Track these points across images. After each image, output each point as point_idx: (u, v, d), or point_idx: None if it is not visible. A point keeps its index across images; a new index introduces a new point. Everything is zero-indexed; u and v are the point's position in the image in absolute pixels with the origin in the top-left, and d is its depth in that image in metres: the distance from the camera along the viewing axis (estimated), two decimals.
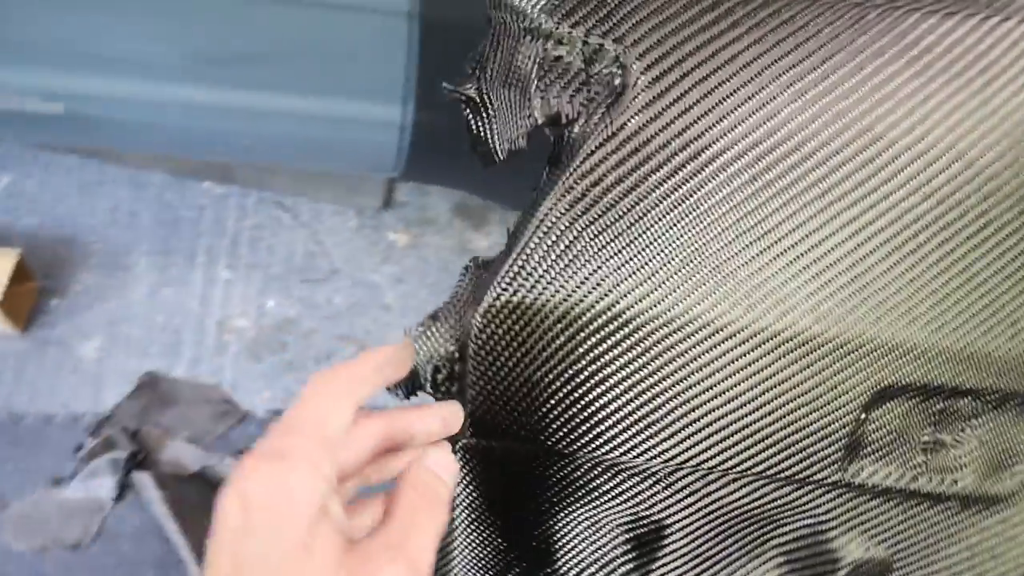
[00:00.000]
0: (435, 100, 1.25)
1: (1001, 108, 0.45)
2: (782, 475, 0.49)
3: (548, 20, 0.42)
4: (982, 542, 0.55)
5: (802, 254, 0.44)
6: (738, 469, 0.49)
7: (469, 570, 0.52)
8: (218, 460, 1.42)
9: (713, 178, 0.42)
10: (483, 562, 0.52)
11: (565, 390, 0.44)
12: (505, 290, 0.43)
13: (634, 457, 0.47)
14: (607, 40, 0.41)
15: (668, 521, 0.52)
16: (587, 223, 0.42)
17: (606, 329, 0.43)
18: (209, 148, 1.47)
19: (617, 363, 0.44)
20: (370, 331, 1.66)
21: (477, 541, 0.51)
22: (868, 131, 0.44)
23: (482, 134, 0.48)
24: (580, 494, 0.50)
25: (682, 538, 0.52)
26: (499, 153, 0.47)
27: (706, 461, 0.48)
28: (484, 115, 0.47)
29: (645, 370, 0.45)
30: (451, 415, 0.43)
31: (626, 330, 0.44)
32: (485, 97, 0.47)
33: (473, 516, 0.50)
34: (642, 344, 0.44)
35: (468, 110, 0.48)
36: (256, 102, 1.29)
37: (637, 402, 0.45)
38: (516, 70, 0.44)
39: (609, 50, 0.41)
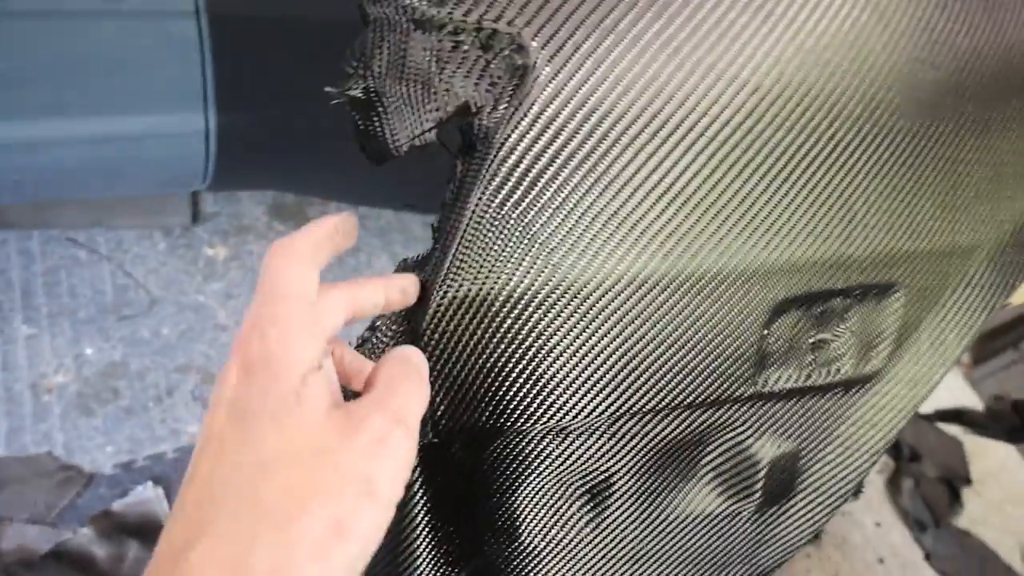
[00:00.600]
0: (237, 100, 1.17)
1: (827, 34, 0.51)
2: (707, 401, 0.54)
3: (438, 11, 0.41)
4: (863, 416, 0.63)
5: (701, 199, 0.48)
6: (669, 405, 0.53)
7: (434, 565, 0.52)
8: (72, 532, 1.28)
9: (619, 142, 0.44)
10: (448, 555, 0.53)
11: (517, 370, 0.46)
12: (451, 287, 0.43)
13: (583, 417, 0.50)
14: (500, 24, 0.42)
15: (614, 468, 0.55)
16: (516, 206, 0.43)
17: (547, 303, 0.45)
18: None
19: (560, 333, 0.46)
20: (209, 355, 1.56)
21: (441, 536, 0.52)
22: (735, 75, 0.48)
23: (376, 133, 0.47)
24: (536, 466, 0.51)
25: (628, 479, 0.56)
26: (396, 150, 0.47)
27: (643, 405, 0.51)
28: (376, 114, 0.46)
29: (585, 334, 0.47)
30: (410, 285, 0.43)
31: (565, 300, 0.45)
32: (374, 96, 0.45)
33: (434, 513, 0.51)
34: (580, 311, 0.46)
35: (355, 111, 0.47)
36: (27, 132, 1.14)
37: (581, 365, 0.47)
38: (411, 65, 0.43)
39: (504, 33, 0.42)
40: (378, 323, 0.45)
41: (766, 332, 0.55)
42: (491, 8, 0.42)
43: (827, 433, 0.62)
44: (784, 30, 0.49)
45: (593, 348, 0.47)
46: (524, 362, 0.46)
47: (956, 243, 0.62)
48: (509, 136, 0.42)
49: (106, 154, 1.21)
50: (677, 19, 0.46)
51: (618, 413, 0.51)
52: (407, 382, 0.36)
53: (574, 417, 0.49)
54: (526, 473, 0.52)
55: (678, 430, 0.56)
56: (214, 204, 1.72)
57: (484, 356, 0.45)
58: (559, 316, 0.45)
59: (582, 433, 0.52)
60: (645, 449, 0.55)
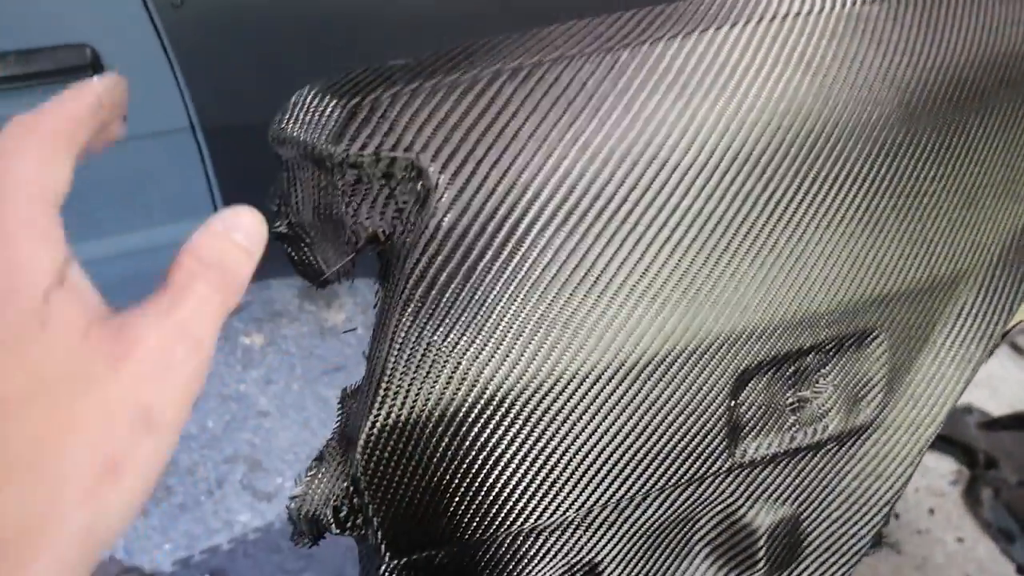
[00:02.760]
0: (244, 199, 1.22)
1: (749, 98, 0.50)
2: (683, 480, 0.53)
3: (336, 148, 0.42)
4: (865, 468, 0.61)
5: (632, 284, 0.47)
6: (643, 491, 0.51)
7: None
8: None
9: (533, 245, 0.44)
10: None
11: (464, 484, 0.45)
12: (378, 416, 0.43)
13: (549, 516, 0.49)
14: (398, 151, 0.43)
15: (599, 558, 0.54)
16: (435, 326, 0.43)
17: (484, 415, 0.45)
18: None
19: (504, 441, 0.46)
20: (255, 443, 1.60)
21: None
22: (652, 156, 0.48)
23: (308, 262, 0.49)
24: (511, 567, 0.51)
25: (616, 567, 0.55)
26: (331, 277, 0.48)
27: (613, 495, 0.50)
28: (304, 246, 0.47)
29: (531, 438, 0.46)
30: (106, 89, 0.33)
31: (502, 409, 0.45)
32: (299, 231, 0.47)
33: None
34: (520, 416, 0.46)
35: (285, 245, 0.48)
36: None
37: (533, 468, 0.47)
38: (322, 200, 0.44)
39: (402, 160, 0.43)
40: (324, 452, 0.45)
41: (734, 403, 0.53)
42: (387, 138, 0.43)
43: (827, 492, 0.60)
44: (699, 104, 0.49)
45: (540, 451, 0.47)
46: (469, 477, 0.45)
47: (935, 277, 0.59)
48: (419, 259, 0.43)
49: (130, 268, 1.27)
50: (581, 113, 0.46)
51: (587, 507, 0.50)
52: (207, 285, 0.29)
53: (536, 519, 0.48)
54: (511, 571, 0.51)
55: (660, 512, 0.54)
56: (246, 293, 1.78)
57: (424, 477, 0.45)
58: (497, 427, 0.45)
59: (555, 529, 0.51)
60: (629, 535, 0.54)
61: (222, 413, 1.62)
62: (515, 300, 0.44)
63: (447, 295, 0.43)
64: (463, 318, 0.43)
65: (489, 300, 0.44)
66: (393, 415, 0.43)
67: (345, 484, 0.44)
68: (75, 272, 0.27)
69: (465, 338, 0.44)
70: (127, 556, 1.45)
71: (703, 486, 0.55)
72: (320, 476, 0.45)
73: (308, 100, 0.44)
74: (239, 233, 0.31)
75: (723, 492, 0.56)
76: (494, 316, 0.44)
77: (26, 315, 0.26)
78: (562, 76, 0.46)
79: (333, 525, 0.45)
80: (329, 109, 0.43)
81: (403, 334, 0.43)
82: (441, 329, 0.43)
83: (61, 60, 0.96)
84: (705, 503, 0.55)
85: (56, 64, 0.96)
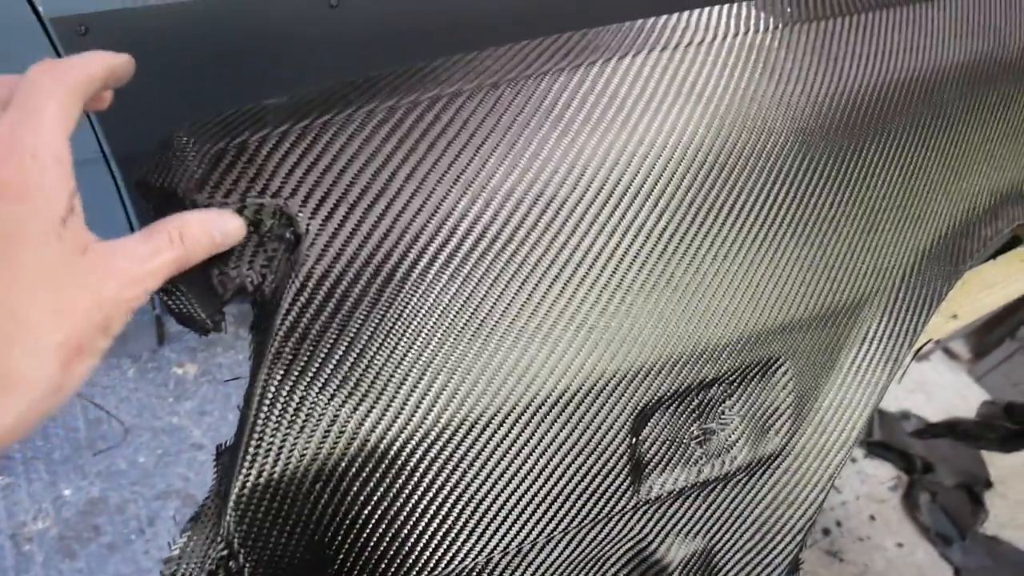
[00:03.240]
0: None
1: (639, 131, 0.50)
2: (587, 521, 0.51)
3: (199, 196, 0.40)
4: (776, 497, 0.60)
5: (520, 324, 0.46)
6: (545, 534, 0.50)
7: None
8: None
9: (412, 291, 0.43)
10: None
11: (349, 542, 0.43)
12: (248, 475, 0.41)
13: (445, 568, 0.47)
14: (265, 198, 0.41)
15: None
16: (308, 379, 0.41)
17: (366, 470, 0.43)
18: None
19: (389, 495, 0.44)
20: (188, 477, 1.55)
21: None
22: (538, 194, 0.46)
23: (187, 313, 0.46)
24: None
25: None
26: (208, 325, 0.45)
27: (513, 540, 0.49)
28: (180, 297, 0.45)
29: (419, 489, 0.45)
30: (119, 63, 0.40)
31: (385, 462, 0.43)
32: (170, 285, 0.44)
33: None
34: (406, 469, 0.44)
35: (163, 297, 0.46)
36: None
37: (424, 521, 0.45)
38: None
39: (270, 206, 0.41)
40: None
41: (636, 440, 0.52)
42: (253, 184, 0.41)
43: (738, 522, 0.59)
44: (586, 139, 0.48)
45: (431, 501, 0.45)
46: (353, 533, 0.44)
47: (838, 303, 0.59)
48: (289, 310, 0.41)
49: None
50: (462, 152, 0.45)
51: (484, 555, 0.48)
52: (166, 244, 0.37)
53: (432, 571, 0.46)
54: None
55: (567, 554, 0.53)
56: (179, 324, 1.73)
57: (304, 536, 0.43)
58: (380, 480, 0.43)
59: None
60: None
61: (154, 447, 1.57)
62: (394, 350, 0.43)
63: (320, 347, 0.41)
64: (339, 370, 0.42)
65: (367, 351, 0.42)
66: (265, 473, 0.41)
67: (220, 547, 0.42)
68: (78, 201, 0.35)
69: (342, 391, 0.42)
70: None
71: (609, 525, 0.53)
72: (195, 538, 0.42)
73: (174, 143, 0.42)
74: (220, 233, 0.39)
75: (631, 529, 0.55)
76: (372, 367, 0.42)
77: (50, 231, 0.33)
78: (441, 114, 0.45)
79: None
80: (194, 153, 0.41)
81: (273, 389, 0.41)
82: (316, 382, 0.41)
83: None
84: (613, 542, 0.54)
85: None
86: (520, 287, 0.45)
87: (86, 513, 1.48)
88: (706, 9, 0.58)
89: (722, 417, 0.56)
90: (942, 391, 2.00)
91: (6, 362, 0.32)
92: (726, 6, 0.58)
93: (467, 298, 0.44)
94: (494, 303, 0.45)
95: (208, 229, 0.39)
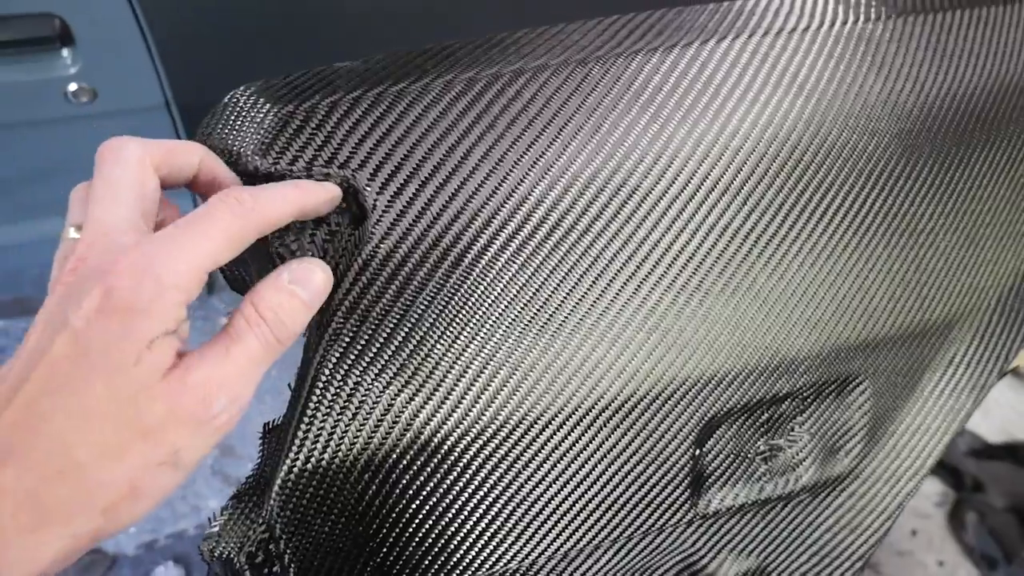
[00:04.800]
0: None
1: (733, 121, 0.46)
2: (638, 531, 0.49)
3: (263, 160, 0.38)
4: (838, 521, 0.57)
5: (591, 322, 0.43)
6: (594, 541, 0.48)
7: None
8: None
9: (481, 278, 0.40)
10: None
11: (394, 536, 0.41)
12: (296, 459, 0.39)
13: (489, 568, 0.45)
14: (332, 168, 0.38)
15: None
16: (364, 364, 0.39)
17: (417, 463, 0.41)
18: None
19: (439, 491, 0.42)
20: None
21: None
22: (621, 183, 0.43)
23: (240, 277, 0.44)
24: None
25: None
26: None
27: (561, 546, 0.46)
28: (232, 262, 0.43)
29: (470, 487, 0.42)
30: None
31: (437, 457, 0.41)
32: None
33: None
34: (459, 463, 0.42)
35: None
36: (34, 231, 1.17)
37: (472, 519, 0.43)
38: None
39: (336, 177, 0.38)
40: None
41: (699, 451, 0.49)
42: (320, 152, 0.38)
43: (796, 544, 0.56)
44: (675, 127, 0.44)
45: (481, 500, 0.43)
46: (398, 528, 0.41)
47: (927, 321, 0.55)
48: (350, 290, 0.38)
49: None
50: (543, 132, 0.42)
51: (531, 559, 0.46)
52: (252, 338, 0.33)
53: (475, 572, 0.44)
54: None
55: (614, 563, 0.50)
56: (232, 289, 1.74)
57: (347, 527, 0.41)
58: (431, 475, 0.41)
59: None
60: None
61: None
62: (457, 339, 0.40)
63: (380, 331, 0.39)
64: (397, 357, 0.39)
65: (427, 338, 0.39)
66: (314, 459, 0.39)
67: (261, 529, 0.40)
68: (185, 324, 0.32)
69: (399, 379, 0.39)
70: None
71: (661, 536, 0.51)
72: (236, 517, 0.41)
73: (240, 103, 0.40)
74: (304, 291, 0.34)
75: (683, 543, 0.52)
76: (433, 356, 0.40)
77: (132, 354, 0.30)
78: (523, 90, 0.41)
79: (248, 572, 0.41)
80: (261, 116, 0.39)
81: (328, 371, 0.38)
82: (372, 368, 0.39)
83: (27, 30, 0.91)
84: (663, 554, 0.52)
85: (21, 34, 0.91)
86: (594, 282, 0.42)
87: None
88: None
89: (791, 434, 0.53)
90: (1000, 409, 1.91)
91: (48, 495, 0.29)
92: None
93: (537, 289, 0.41)
94: (565, 297, 0.42)
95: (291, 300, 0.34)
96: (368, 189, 0.38)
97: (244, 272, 0.44)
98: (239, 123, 0.39)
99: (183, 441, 0.31)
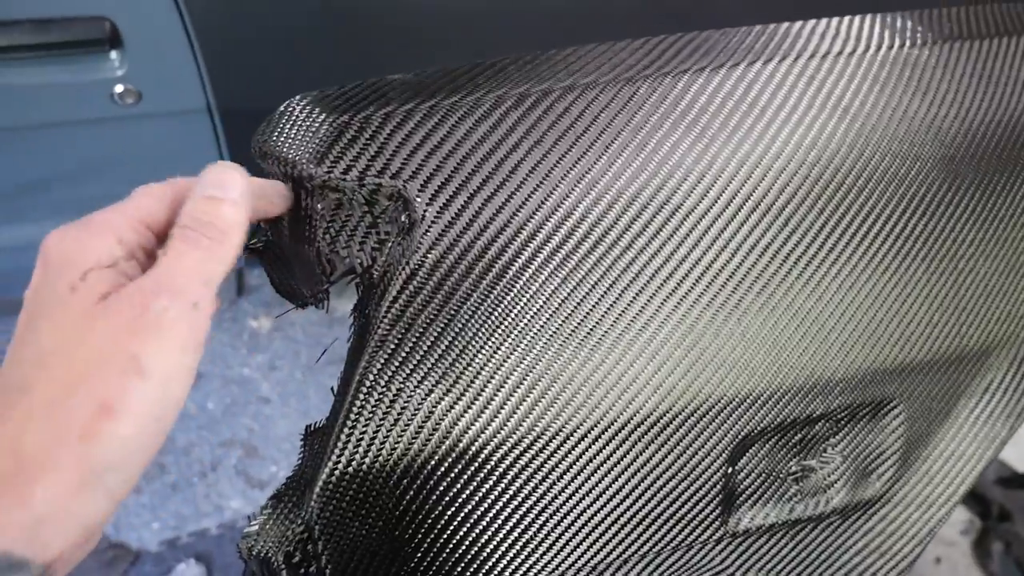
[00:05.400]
0: None
1: (777, 143, 0.46)
2: (668, 547, 0.49)
3: (318, 168, 0.39)
4: (868, 544, 0.56)
5: (630, 338, 0.43)
6: (624, 556, 0.48)
7: None
8: None
9: (525, 290, 0.41)
10: None
11: (428, 541, 0.42)
12: (338, 463, 0.40)
13: None
14: (384, 179, 0.39)
15: None
16: (408, 371, 0.40)
17: (455, 470, 0.41)
18: (27, 286, 1.35)
19: (475, 499, 0.42)
20: (253, 429, 1.58)
21: None
22: (664, 200, 0.44)
23: (287, 284, 0.45)
24: None
25: None
26: (308, 299, 0.44)
27: (591, 559, 0.47)
28: (285, 268, 0.44)
29: (505, 496, 0.43)
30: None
31: (475, 465, 0.42)
32: (276, 250, 0.43)
33: None
34: (495, 472, 0.42)
35: (264, 264, 0.45)
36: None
37: (505, 529, 0.43)
38: (301, 223, 0.41)
39: (388, 187, 0.39)
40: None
41: (732, 469, 0.49)
42: (373, 162, 0.39)
43: (825, 566, 0.55)
44: (720, 146, 0.45)
45: (516, 510, 0.43)
46: (434, 534, 0.42)
47: (964, 348, 0.55)
48: (398, 298, 0.39)
49: None
50: (590, 149, 0.42)
51: (560, 570, 0.47)
52: (197, 248, 0.34)
53: None
54: None
55: None
56: (258, 276, 1.76)
57: (385, 530, 0.41)
58: (468, 483, 0.42)
59: None
60: None
61: (223, 395, 1.61)
62: (499, 349, 0.41)
63: (424, 338, 0.40)
64: (440, 365, 0.40)
65: (470, 348, 0.40)
66: (355, 463, 0.40)
67: (299, 529, 0.41)
68: (130, 266, 0.34)
69: (440, 387, 0.40)
70: (114, 531, 1.44)
71: (690, 553, 0.51)
72: (275, 517, 0.42)
73: (296, 112, 0.41)
74: (223, 191, 0.35)
75: (712, 560, 0.52)
76: (474, 365, 0.40)
77: (65, 288, 0.32)
78: (572, 107, 0.42)
79: (285, 571, 0.41)
80: (316, 125, 0.40)
81: (372, 377, 0.39)
82: (415, 375, 0.40)
83: (78, 32, 0.94)
84: (691, 571, 0.52)
85: (73, 36, 0.94)
86: (634, 298, 0.43)
87: None
88: (856, 17, 0.53)
89: (824, 455, 0.53)
90: None
91: (23, 441, 0.30)
92: (878, 16, 0.54)
93: (578, 304, 0.42)
94: (605, 312, 0.42)
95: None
96: (418, 200, 0.39)
97: (292, 280, 0.45)
98: (294, 131, 0.40)
99: (135, 346, 0.31)
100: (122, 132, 1.09)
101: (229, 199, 0.35)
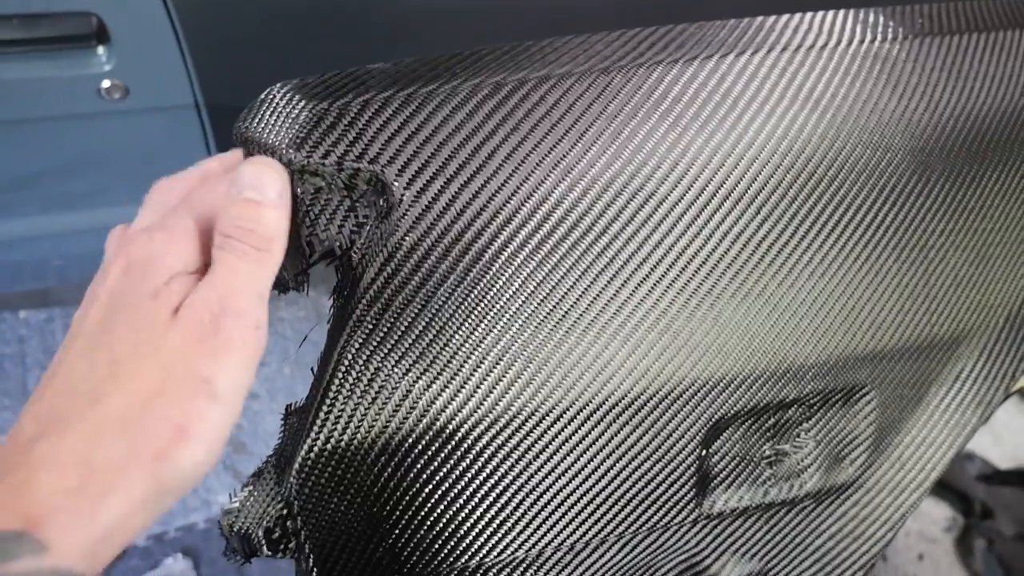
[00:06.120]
0: None
1: (749, 133, 0.47)
2: (643, 528, 0.50)
3: (297, 154, 0.40)
4: (842, 528, 0.57)
5: (605, 321, 0.44)
6: (600, 535, 0.49)
7: None
8: None
9: (500, 273, 0.42)
10: None
11: (407, 518, 0.43)
12: (316, 440, 0.40)
13: (497, 555, 0.46)
14: (362, 163, 0.40)
15: None
16: (386, 351, 0.41)
17: (432, 448, 0.42)
18: (14, 280, 1.35)
19: (452, 476, 0.43)
20: (241, 424, 1.58)
21: None
22: (638, 188, 0.45)
23: None
24: None
25: None
26: (290, 283, 0.45)
27: (568, 538, 0.48)
28: None
29: (482, 474, 0.44)
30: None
31: (452, 443, 0.43)
32: None
33: None
34: (471, 450, 0.43)
35: None
36: (59, 223, 1.20)
37: (483, 506, 0.44)
38: None
39: (366, 172, 0.40)
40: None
41: (706, 452, 0.50)
42: (352, 147, 0.40)
43: (798, 550, 0.57)
44: (693, 135, 0.46)
45: (491, 489, 0.44)
46: (412, 510, 0.43)
47: (935, 336, 0.56)
48: (375, 279, 0.40)
49: None
50: (565, 136, 0.43)
51: (538, 547, 0.47)
52: (226, 255, 0.34)
53: (483, 557, 0.46)
54: None
55: (619, 558, 0.51)
56: None
57: (363, 507, 0.42)
58: (445, 460, 0.43)
59: (502, 568, 0.48)
60: None
61: None
62: (475, 330, 0.42)
63: (402, 319, 0.40)
64: (417, 345, 0.41)
65: (447, 328, 0.41)
66: (333, 440, 0.41)
67: (280, 506, 0.42)
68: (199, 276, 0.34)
69: (418, 366, 0.41)
70: None
71: (666, 535, 0.52)
72: (255, 494, 0.42)
73: (276, 99, 0.42)
74: (261, 193, 0.36)
75: (687, 542, 0.53)
76: (451, 345, 0.41)
77: (149, 292, 0.32)
78: (547, 95, 0.43)
79: (265, 547, 0.42)
80: (296, 112, 0.41)
81: (350, 356, 0.40)
82: (392, 355, 0.41)
83: (66, 27, 0.94)
84: (667, 552, 0.53)
85: (60, 31, 0.94)
86: (608, 282, 0.44)
87: None
88: (829, 12, 0.54)
89: (797, 440, 0.54)
90: (1012, 435, 1.91)
91: (93, 455, 0.30)
92: (851, 11, 0.55)
93: (553, 287, 0.43)
94: (580, 295, 0.43)
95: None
96: (396, 184, 0.40)
97: None
98: (275, 118, 0.41)
99: (206, 369, 0.31)
100: (109, 127, 1.09)
101: (268, 201, 0.36)
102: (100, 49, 0.97)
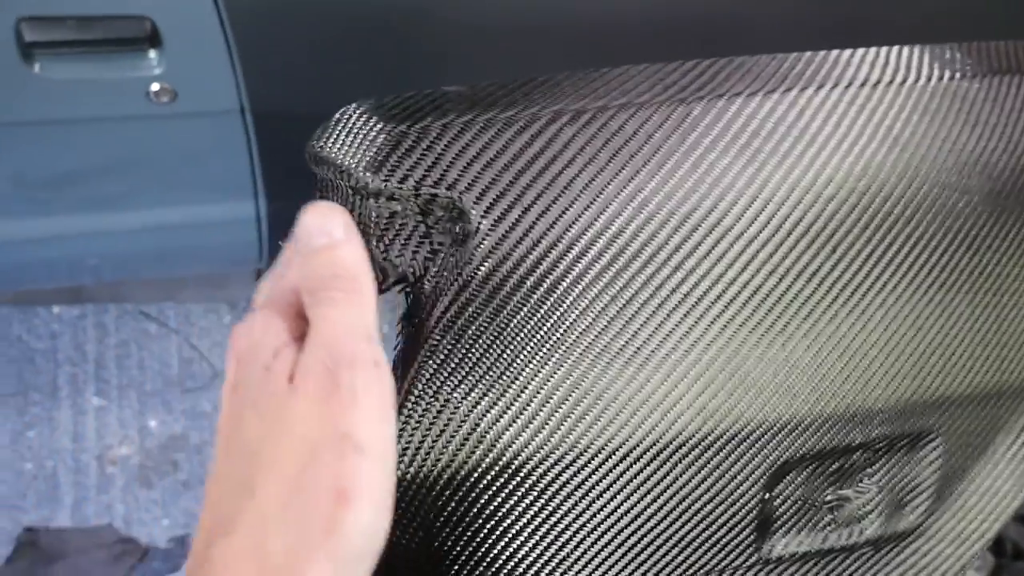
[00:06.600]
0: (283, 190, 1.20)
1: (828, 169, 0.46)
2: (702, 570, 0.49)
3: (374, 178, 0.39)
4: None
5: (675, 359, 0.43)
6: None
7: None
8: None
9: (573, 307, 0.41)
10: None
11: (467, 553, 0.42)
12: None
13: None
14: (440, 189, 0.39)
15: None
16: (456, 382, 0.40)
17: (497, 483, 0.41)
18: (50, 277, 1.36)
19: (515, 512, 0.42)
20: None
21: None
22: (716, 222, 0.44)
23: None
24: None
25: None
26: None
27: None
28: None
29: (544, 510, 0.43)
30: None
31: (517, 478, 0.41)
32: None
33: None
34: (535, 487, 0.42)
35: None
36: (101, 223, 1.21)
37: (543, 543, 0.43)
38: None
39: (444, 199, 0.39)
40: None
41: (768, 495, 0.49)
42: (430, 172, 0.39)
43: None
44: (772, 170, 0.45)
45: (554, 524, 0.43)
46: (474, 544, 0.42)
47: (1005, 383, 0.54)
48: (449, 308, 0.39)
49: (170, 241, 1.26)
50: (643, 168, 0.42)
51: None
52: (321, 309, 0.33)
53: None
54: None
55: None
56: None
57: (426, 539, 0.41)
58: (509, 496, 0.42)
59: None
60: None
61: None
62: (545, 364, 0.41)
63: (474, 350, 0.40)
64: (488, 377, 0.40)
65: (518, 361, 0.40)
66: (400, 472, 0.40)
67: None
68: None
69: (488, 399, 0.40)
70: (124, 526, 1.44)
71: None
72: None
73: (352, 120, 0.41)
74: (318, 237, 0.35)
75: None
76: (521, 378, 0.40)
77: (260, 371, 0.32)
78: (627, 125, 0.42)
79: None
80: (373, 133, 0.40)
81: (421, 386, 0.39)
82: (463, 386, 0.40)
83: (120, 30, 0.95)
84: None
85: (114, 34, 0.95)
86: (682, 319, 0.43)
87: (167, 447, 1.53)
88: (904, 48, 0.53)
89: (859, 485, 0.52)
90: None
91: (267, 543, 0.29)
92: (926, 47, 0.54)
93: (626, 322, 0.42)
94: (653, 331, 0.42)
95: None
96: (473, 211, 0.39)
97: None
98: (351, 139, 0.41)
99: (342, 425, 0.30)
100: (154, 130, 1.09)
101: (338, 241, 0.35)
102: (152, 52, 0.97)
